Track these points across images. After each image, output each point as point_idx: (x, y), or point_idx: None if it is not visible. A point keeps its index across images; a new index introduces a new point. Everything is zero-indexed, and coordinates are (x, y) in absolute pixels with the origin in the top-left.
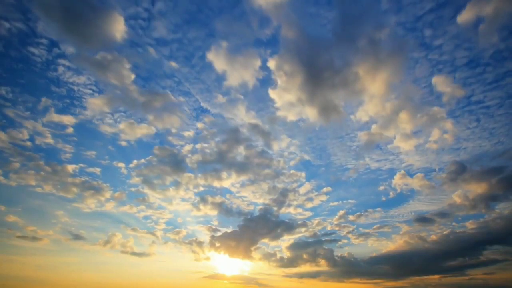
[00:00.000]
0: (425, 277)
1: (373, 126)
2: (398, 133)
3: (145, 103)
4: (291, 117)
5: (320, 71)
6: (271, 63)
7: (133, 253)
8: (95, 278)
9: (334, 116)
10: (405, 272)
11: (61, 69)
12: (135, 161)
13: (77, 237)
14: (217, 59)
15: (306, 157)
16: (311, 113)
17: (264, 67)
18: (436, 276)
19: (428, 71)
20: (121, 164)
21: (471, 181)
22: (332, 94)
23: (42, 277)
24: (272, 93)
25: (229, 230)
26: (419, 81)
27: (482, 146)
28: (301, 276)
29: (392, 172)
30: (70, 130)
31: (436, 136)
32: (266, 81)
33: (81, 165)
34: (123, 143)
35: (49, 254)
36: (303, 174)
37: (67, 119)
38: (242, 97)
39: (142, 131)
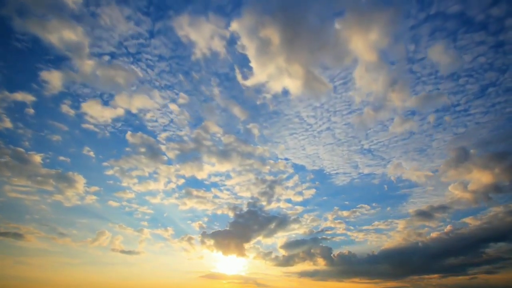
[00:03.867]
0: (425, 276)
1: (365, 109)
2: (394, 115)
3: (108, 79)
4: (272, 95)
5: (296, 32)
6: (238, 26)
7: (123, 251)
8: (85, 278)
9: (319, 89)
10: (405, 271)
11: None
12: (107, 149)
13: (62, 234)
14: (181, 27)
15: (292, 145)
16: (293, 88)
17: (235, 37)
18: (436, 275)
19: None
20: (91, 153)
21: (473, 169)
22: (313, 61)
23: (29, 276)
24: (246, 67)
25: (220, 227)
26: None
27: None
28: (299, 275)
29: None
30: (30, 111)
31: (433, 118)
32: (238, 54)
33: (50, 153)
34: (90, 127)
35: (34, 252)
36: (290, 164)
37: (23, 97)
38: (216, 78)
39: (109, 113)
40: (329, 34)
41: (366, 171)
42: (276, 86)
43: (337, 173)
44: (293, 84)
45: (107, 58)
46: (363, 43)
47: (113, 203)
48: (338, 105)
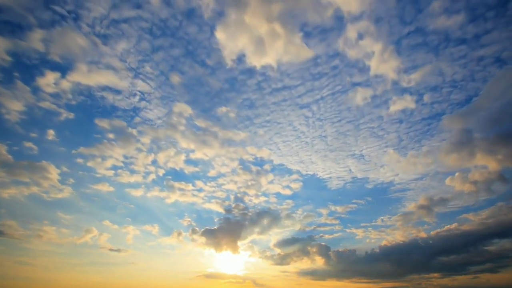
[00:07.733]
0: (425, 275)
1: (355, 88)
2: (387, 95)
3: (65, 48)
4: (247, 69)
5: None
6: None
7: (111, 250)
8: (78, 277)
9: (304, 55)
10: (405, 270)
11: None
12: (73, 134)
13: (46, 232)
14: None
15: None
16: (271, 57)
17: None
18: (437, 274)
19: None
20: (58, 139)
21: (476, 154)
22: (289, 16)
23: (14, 274)
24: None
25: (210, 223)
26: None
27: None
28: (298, 274)
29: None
30: None
31: (428, 98)
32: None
33: (15, 139)
34: (52, 107)
35: (19, 250)
36: (276, 154)
37: None
38: (182, 47)
39: (70, 89)
40: None
41: (360, 175)
42: (253, 60)
43: (330, 177)
44: (270, 50)
45: (63, 25)
46: None
47: (95, 198)
48: (328, 114)
